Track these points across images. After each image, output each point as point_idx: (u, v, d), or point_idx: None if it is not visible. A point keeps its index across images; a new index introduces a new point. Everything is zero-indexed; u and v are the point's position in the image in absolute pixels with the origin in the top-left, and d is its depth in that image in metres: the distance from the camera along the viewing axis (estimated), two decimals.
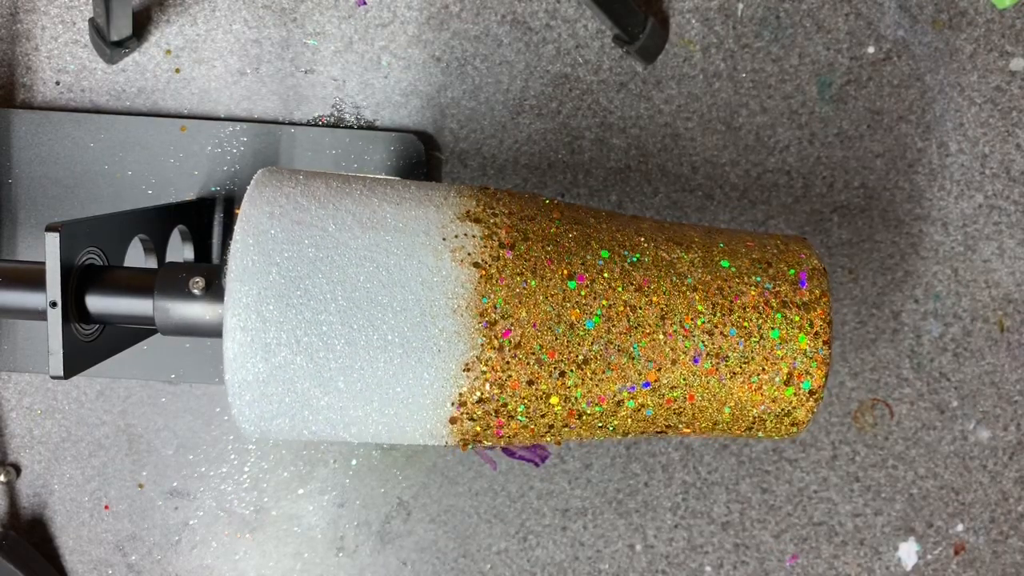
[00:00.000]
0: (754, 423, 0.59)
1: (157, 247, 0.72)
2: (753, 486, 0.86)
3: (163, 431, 0.86)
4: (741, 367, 0.56)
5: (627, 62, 0.83)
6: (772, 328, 0.56)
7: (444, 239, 0.55)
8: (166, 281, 0.59)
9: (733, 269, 0.58)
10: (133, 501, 0.87)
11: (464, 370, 0.53)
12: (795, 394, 0.57)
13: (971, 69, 0.83)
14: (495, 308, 0.53)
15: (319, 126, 0.83)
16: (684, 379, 0.56)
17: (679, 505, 0.87)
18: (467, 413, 0.54)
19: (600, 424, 0.57)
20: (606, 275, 0.55)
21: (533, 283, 0.54)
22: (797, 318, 0.57)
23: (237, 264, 0.52)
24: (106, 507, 0.87)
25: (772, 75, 0.83)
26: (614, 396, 0.55)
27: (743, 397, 0.57)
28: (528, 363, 0.54)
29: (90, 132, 0.82)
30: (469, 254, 0.54)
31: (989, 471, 0.86)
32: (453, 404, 0.54)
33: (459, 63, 0.83)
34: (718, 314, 0.56)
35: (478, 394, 0.54)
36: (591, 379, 0.55)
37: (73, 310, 0.58)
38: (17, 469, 0.87)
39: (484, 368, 0.53)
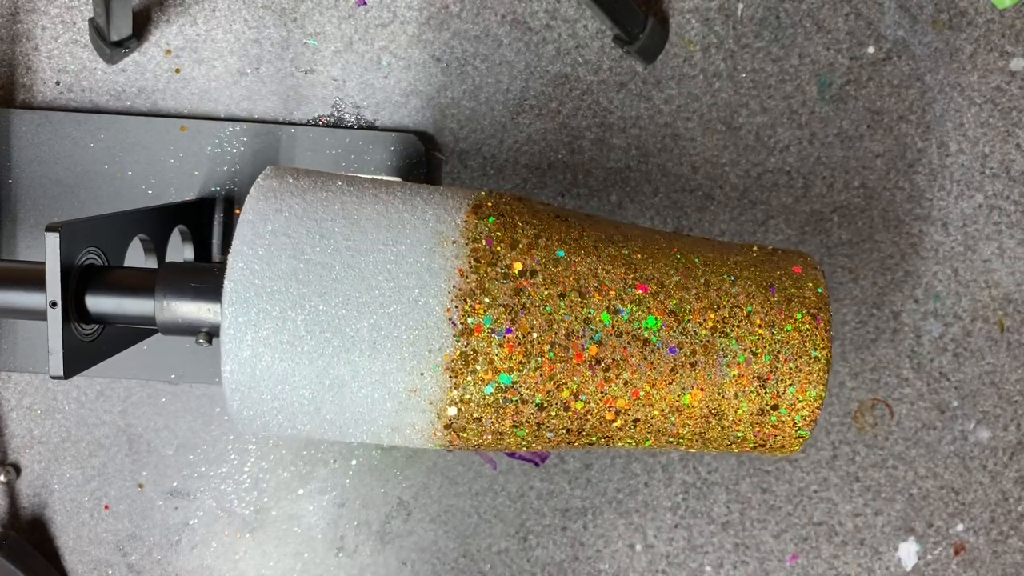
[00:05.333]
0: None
1: (157, 247, 0.72)
2: (753, 486, 0.86)
3: (163, 431, 0.86)
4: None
5: (627, 62, 0.83)
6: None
7: (454, 242, 0.55)
8: (166, 281, 0.59)
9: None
10: (133, 501, 0.87)
11: (469, 215, 0.56)
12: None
13: (971, 69, 0.83)
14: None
15: (319, 126, 0.83)
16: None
17: (679, 505, 0.86)
18: (470, 248, 0.54)
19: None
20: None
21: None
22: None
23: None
24: (106, 507, 0.87)
25: (772, 75, 0.83)
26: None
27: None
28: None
29: (90, 132, 0.82)
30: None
31: (989, 471, 0.86)
32: (454, 241, 0.54)
33: (459, 63, 0.83)
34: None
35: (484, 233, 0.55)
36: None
37: (73, 310, 0.58)
38: (17, 469, 0.87)
39: (492, 214, 0.56)
